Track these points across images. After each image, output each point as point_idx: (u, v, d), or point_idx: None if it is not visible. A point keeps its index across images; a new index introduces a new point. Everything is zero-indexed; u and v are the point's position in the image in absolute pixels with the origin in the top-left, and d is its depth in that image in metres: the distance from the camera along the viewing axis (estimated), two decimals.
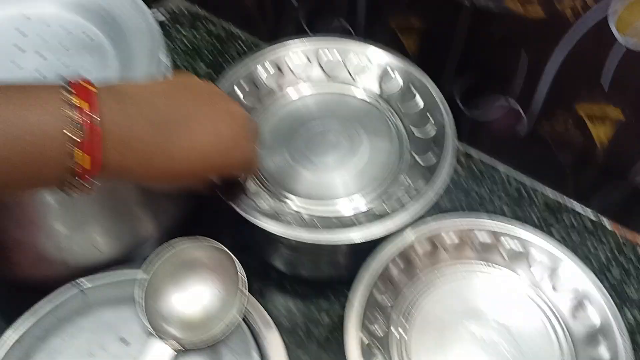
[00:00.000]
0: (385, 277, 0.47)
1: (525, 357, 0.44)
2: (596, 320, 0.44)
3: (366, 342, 0.44)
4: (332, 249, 0.55)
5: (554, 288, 0.47)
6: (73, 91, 0.33)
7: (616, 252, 0.63)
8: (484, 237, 0.49)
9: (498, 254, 0.49)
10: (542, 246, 0.48)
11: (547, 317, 0.46)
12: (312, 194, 0.54)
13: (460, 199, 0.67)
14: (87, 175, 0.34)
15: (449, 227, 0.50)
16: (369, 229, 0.49)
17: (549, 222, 0.65)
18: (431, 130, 0.56)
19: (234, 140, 0.42)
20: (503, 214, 0.66)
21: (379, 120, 0.58)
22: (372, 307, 0.46)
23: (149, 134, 0.36)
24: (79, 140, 0.32)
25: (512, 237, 0.49)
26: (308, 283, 0.61)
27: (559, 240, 0.63)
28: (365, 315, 0.45)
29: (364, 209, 0.52)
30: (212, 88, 0.45)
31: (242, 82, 0.59)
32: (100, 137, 0.33)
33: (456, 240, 0.50)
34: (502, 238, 0.49)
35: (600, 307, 0.44)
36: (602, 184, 0.63)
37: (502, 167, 0.69)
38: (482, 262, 0.50)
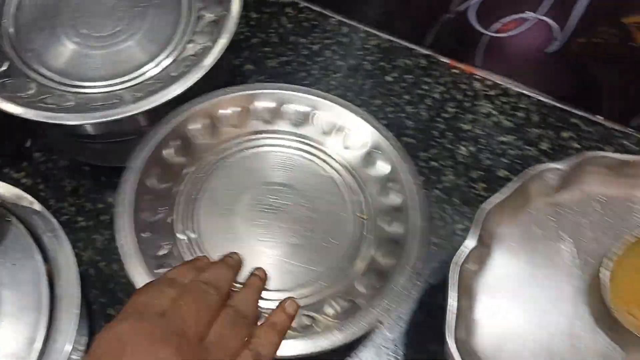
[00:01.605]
0: (159, 161, 0.42)
1: (320, 215, 0.41)
2: (385, 169, 0.42)
3: (146, 235, 0.40)
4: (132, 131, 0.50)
5: (344, 146, 0.44)
6: None
7: (451, 88, 0.60)
8: (266, 106, 0.45)
9: (283, 121, 0.45)
10: (327, 107, 0.44)
11: (339, 173, 0.43)
12: (113, 72, 0.47)
13: (288, 54, 0.61)
14: None
15: (227, 102, 0.44)
16: (150, 100, 0.43)
17: (384, 67, 0.61)
18: None
19: None
20: (334, 65, 0.61)
21: None
22: (146, 193, 0.41)
23: None
24: None
25: (295, 102, 0.45)
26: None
27: (391, 82, 0.60)
28: (139, 201, 0.41)
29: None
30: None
31: None
32: None
33: (236, 112, 0.45)
34: (285, 105, 0.44)
35: (388, 156, 0.42)
36: (431, 20, 0.58)
37: (332, 17, 0.63)
38: (267, 132, 0.45)
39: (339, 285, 0.40)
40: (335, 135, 0.44)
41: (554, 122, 0.58)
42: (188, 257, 0.41)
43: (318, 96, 0.44)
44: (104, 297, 0.50)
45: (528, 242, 0.41)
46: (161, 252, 0.40)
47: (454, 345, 0.36)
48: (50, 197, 0.54)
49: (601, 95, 0.57)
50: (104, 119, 0.43)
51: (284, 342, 0.36)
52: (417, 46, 0.62)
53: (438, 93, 0.60)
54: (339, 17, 0.63)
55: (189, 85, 0.44)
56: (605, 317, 0.39)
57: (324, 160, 0.44)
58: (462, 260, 0.38)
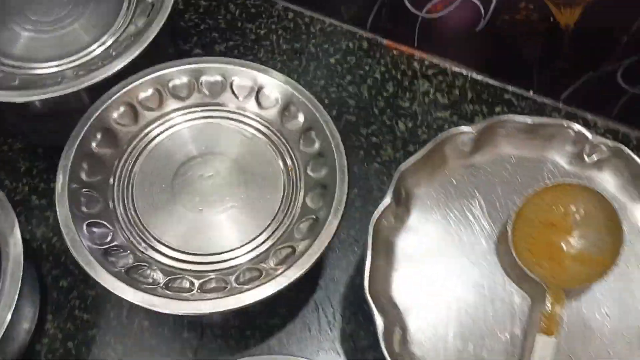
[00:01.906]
0: (87, 156, 0.44)
1: (252, 174, 0.44)
2: (301, 119, 0.45)
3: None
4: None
5: (260, 106, 0.46)
6: None
7: (391, 68, 0.63)
8: (180, 82, 0.47)
9: (198, 94, 0.47)
10: (241, 72, 0.46)
11: (262, 132, 0.46)
12: (59, 54, 0.50)
13: (235, 39, 0.64)
14: None
15: (141, 85, 0.46)
16: (91, 77, 0.46)
17: (327, 50, 0.64)
18: None
19: None
20: (280, 49, 0.64)
21: None
22: (85, 187, 0.43)
23: None
24: None
25: (207, 73, 0.47)
26: None
27: (334, 63, 0.63)
28: (76, 198, 0.42)
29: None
30: None
31: None
32: None
33: (152, 95, 0.47)
34: (202, 77, 0.46)
35: (301, 108, 0.45)
36: (370, 4, 0.61)
37: (278, 3, 0.66)
38: (186, 109, 0.47)
39: (280, 235, 0.43)
40: (251, 98, 0.46)
41: (487, 99, 0.61)
42: (136, 244, 0.43)
43: (228, 63, 0.47)
44: (56, 270, 0.52)
45: (445, 202, 0.44)
46: (108, 244, 0.42)
47: (369, 295, 0.38)
48: (5, 178, 0.57)
49: (532, 71, 0.60)
50: (47, 96, 0.45)
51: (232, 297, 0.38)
52: (358, 29, 0.64)
53: (379, 73, 0.63)
54: (285, 4, 0.66)
55: (127, 62, 0.46)
56: (515, 269, 0.42)
57: (245, 123, 0.46)
58: (377, 216, 0.41)
